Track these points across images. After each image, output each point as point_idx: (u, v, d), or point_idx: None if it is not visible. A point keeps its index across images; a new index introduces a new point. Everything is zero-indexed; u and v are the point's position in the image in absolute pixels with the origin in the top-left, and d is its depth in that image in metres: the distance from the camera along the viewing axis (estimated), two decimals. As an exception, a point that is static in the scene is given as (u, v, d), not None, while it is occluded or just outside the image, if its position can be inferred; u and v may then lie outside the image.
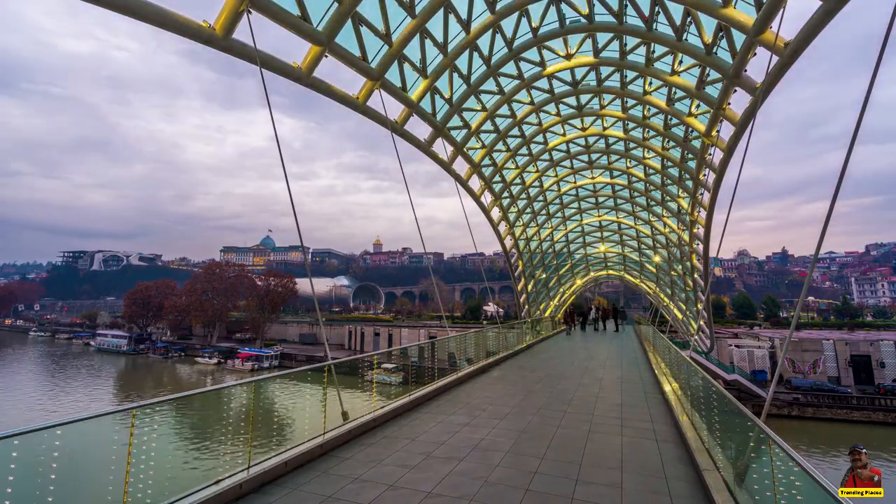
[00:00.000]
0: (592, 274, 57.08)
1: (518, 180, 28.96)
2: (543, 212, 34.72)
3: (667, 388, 12.20)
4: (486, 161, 24.58)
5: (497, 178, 26.94)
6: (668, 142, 22.44)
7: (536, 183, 30.55)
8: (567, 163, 29.29)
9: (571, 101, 22.68)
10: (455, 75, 17.25)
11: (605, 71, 19.71)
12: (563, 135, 26.11)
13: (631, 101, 21.09)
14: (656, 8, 14.06)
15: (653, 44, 16.01)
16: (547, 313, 43.99)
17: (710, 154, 19.09)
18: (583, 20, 16.34)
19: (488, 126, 22.04)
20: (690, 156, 21.26)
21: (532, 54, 18.60)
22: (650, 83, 18.67)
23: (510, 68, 19.03)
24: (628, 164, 28.19)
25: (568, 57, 18.61)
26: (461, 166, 23.23)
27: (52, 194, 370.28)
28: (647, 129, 22.78)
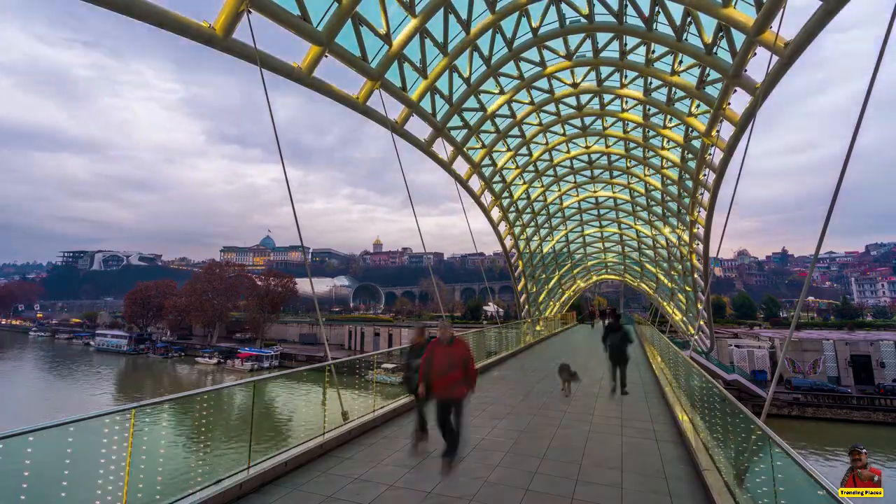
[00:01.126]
0: (595, 278, 57.15)
1: (519, 180, 28.96)
2: (544, 212, 34.72)
3: (667, 388, 12.20)
4: (487, 161, 24.58)
5: (497, 178, 26.93)
6: (669, 142, 22.45)
7: (537, 183, 30.55)
8: (567, 163, 29.30)
9: (572, 100, 22.68)
10: (455, 75, 17.24)
11: (605, 71, 19.72)
12: (564, 134, 26.11)
13: (631, 102, 21.09)
14: (656, 8, 14.07)
15: (653, 44, 16.01)
16: (548, 313, 43.98)
17: (710, 154, 19.09)
18: (583, 20, 16.35)
19: (488, 126, 22.03)
20: (690, 156, 21.26)
21: (532, 54, 18.60)
22: (650, 83, 18.67)
23: (510, 68, 19.03)
24: (628, 164, 28.19)
25: (568, 57, 18.61)
26: (461, 166, 23.25)
27: (75, 213, 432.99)
28: (647, 130, 22.79)
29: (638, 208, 33.55)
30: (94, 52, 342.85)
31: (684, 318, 42.87)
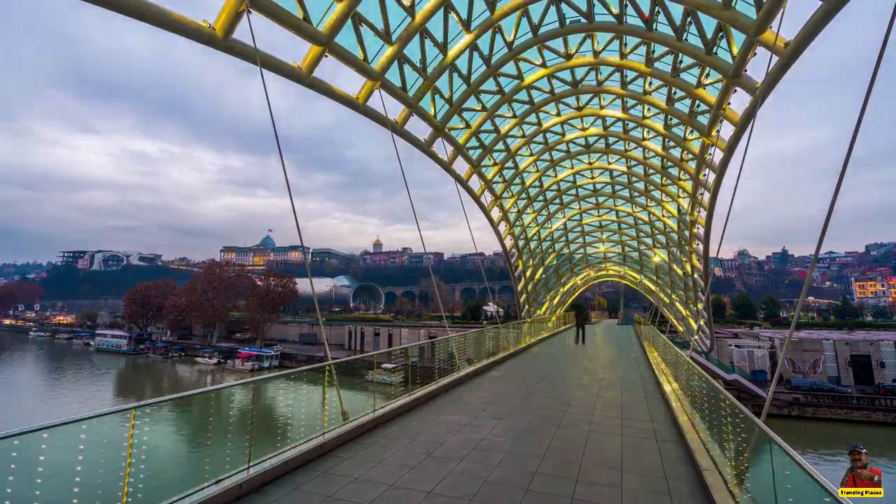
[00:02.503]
0: (593, 274, 57.09)
1: (518, 180, 28.95)
2: (544, 211, 34.70)
3: (667, 387, 12.20)
4: (487, 161, 24.57)
5: (497, 178, 26.92)
6: (668, 141, 22.43)
7: (536, 183, 30.53)
8: (567, 162, 29.27)
9: (571, 101, 22.67)
10: (455, 75, 17.24)
11: (604, 71, 19.70)
12: (563, 134, 26.08)
13: (631, 101, 21.07)
14: (656, 8, 14.06)
15: (653, 44, 16.00)
16: (544, 310, 43.96)
17: (710, 154, 19.08)
18: (583, 20, 16.34)
19: (488, 126, 22.03)
20: (690, 156, 21.25)
21: (532, 54, 18.59)
22: (650, 83, 18.65)
23: (510, 68, 19.02)
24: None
25: (568, 57, 18.60)
26: (461, 166, 23.24)
27: (81, 220, 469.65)
28: (646, 130, 22.78)
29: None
30: (162, 142, 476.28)
31: (684, 318, 42.85)
